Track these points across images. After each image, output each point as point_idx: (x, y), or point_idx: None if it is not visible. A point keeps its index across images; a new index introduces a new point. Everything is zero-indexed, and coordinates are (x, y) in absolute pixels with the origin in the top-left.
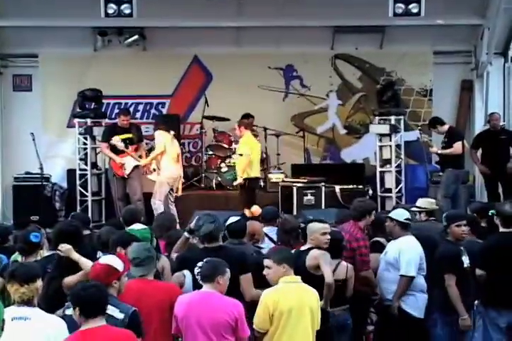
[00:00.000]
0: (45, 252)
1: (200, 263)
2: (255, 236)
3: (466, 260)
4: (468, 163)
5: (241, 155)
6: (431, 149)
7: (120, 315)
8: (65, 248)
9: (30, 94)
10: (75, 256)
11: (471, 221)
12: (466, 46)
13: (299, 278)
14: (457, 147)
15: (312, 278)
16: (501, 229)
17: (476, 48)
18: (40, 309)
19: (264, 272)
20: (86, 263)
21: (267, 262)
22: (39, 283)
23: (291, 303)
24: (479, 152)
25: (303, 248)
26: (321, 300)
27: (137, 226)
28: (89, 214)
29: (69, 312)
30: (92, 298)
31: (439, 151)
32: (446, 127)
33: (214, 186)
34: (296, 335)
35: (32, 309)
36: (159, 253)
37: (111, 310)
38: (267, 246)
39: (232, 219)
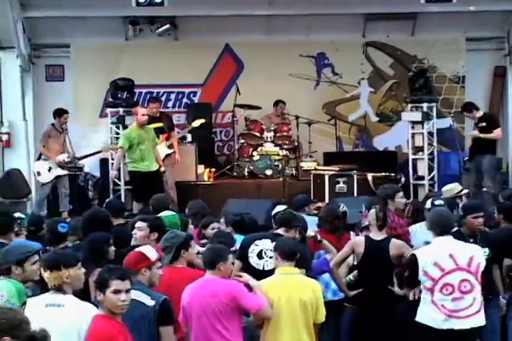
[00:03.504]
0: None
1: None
2: None
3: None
4: (501, 149)
5: None
6: (472, 132)
7: (151, 302)
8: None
9: (62, 84)
10: None
11: (503, 209)
12: (498, 32)
13: (296, 269)
14: (497, 133)
15: (392, 267)
16: None
17: (509, 34)
18: (74, 296)
19: None
20: None
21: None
22: (70, 271)
23: (279, 294)
24: None
25: (377, 237)
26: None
27: (165, 213)
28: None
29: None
30: None
31: (482, 135)
32: (481, 112)
33: (246, 174)
34: (288, 326)
35: (65, 296)
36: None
37: (142, 296)
38: None
39: (279, 208)
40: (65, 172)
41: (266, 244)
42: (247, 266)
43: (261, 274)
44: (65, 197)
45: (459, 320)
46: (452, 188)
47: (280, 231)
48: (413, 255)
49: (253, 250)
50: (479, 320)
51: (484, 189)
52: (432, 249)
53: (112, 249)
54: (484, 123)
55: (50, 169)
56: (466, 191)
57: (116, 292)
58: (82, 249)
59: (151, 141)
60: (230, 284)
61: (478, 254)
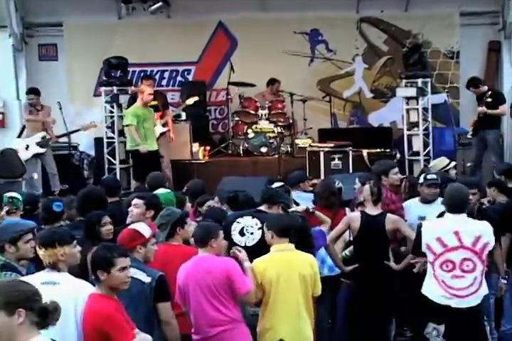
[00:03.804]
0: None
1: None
2: None
3: None
4: None
5: None
6: (479, 108)
7: (147, 279)
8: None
9: (56, 63)
10: None
11: (496, 183)
12: (493, 6)
13: (291, 245)
14: (504, 108)
15: (388, 241)
16: None
17: (503, 8)
18: (69, 274)
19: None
20: None
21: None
22: (65, 248)
23: (279, 270)
24: None
25: (372, 212)
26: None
27: (161, 191)
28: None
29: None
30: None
31: (489, 111)
32: (486, 88)
33: (241, 152)
34: (288, 302)
35: (60, 274)
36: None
37: (138, 273)
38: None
39: (276, 185)
40: (43, 150)
41: (247, 221)
42: (230, 243)
43: (245, 250)
44: (53, 177)
45: (457, 299)
46: (438, 163)
47: (263, 207)
48: (419, 226)
49: (235, 228)
50: (475, 301)
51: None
52: (438, 224)
53: (107, 228)
54: (490, 99)
55: (27, 147)
56: (453, 164)
57: (123, 269)
58: (79, 227)
59: (152, 121)
60: (225, 261)
61: (486, 233)
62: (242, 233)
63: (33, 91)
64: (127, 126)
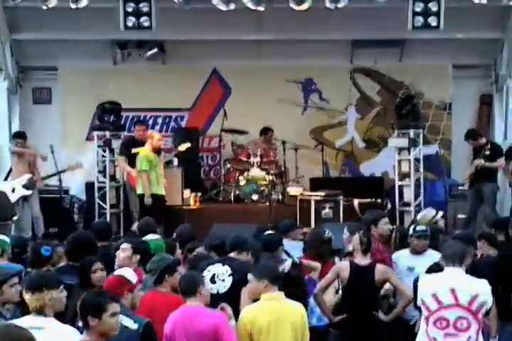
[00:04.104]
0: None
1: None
2: None
3: None
4: None
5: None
6: (476, 161)
7: (134, 326)
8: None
9: (49, 107)
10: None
11: (486, 236)
12: (485, 60)
13: (281, 293)
14: (502, 161)
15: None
16: None
17: (495, 62)
18: (55, 319)
19: (247, 286)
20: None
21: (249, 276)
22: (52, 293)
23: (269, 319)
24: (511, 166)
25: (362, 262)
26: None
27: (151, 237)
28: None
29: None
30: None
31: (487, 164)
32: (484, 140)
33: (232, 199)
34: None
35: (46, 319)
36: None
37: (125, 320)
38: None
39: (268, 232)
40: (30, 192)
41: (218, 269)
42: None
43: (217, 298)
44: (36, 220)
45: None
46: (426, 214)
47: (232, 254)
48: (416, 280)
49: (206, 275)
50: None
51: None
52: (435, 279)
53: (98, 275)
54: (488, 152)
55: (13, 190)
56: (441, 214)
57: (114, 314)
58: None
59: (160, 166)
60: (214, 316)
61: (484, 293)
62: (213, 280)
63: (20, 136)
64: (142, 171)
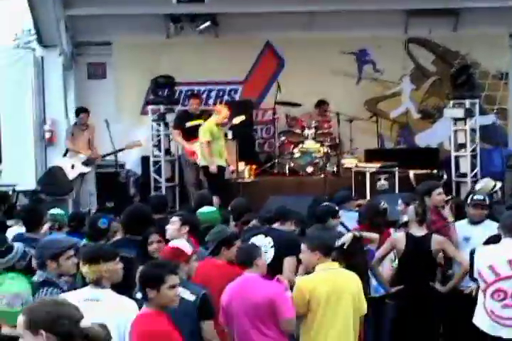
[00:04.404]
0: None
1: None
2: None
3: None
4: None
5: None
6: None
7: (191, 297)
8: None
9: (104, 82)
10: None
11: None
12: None
13: (336, 264)
14: None
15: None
16: None
17: None
18: (112, 291)
19: (300, 256)
20: None
21: (302, 247)
22: (108, 265)
23: (328, 290)
24: None
25: (417, 233)
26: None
27: (205, 209)
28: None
29: (139, 296)
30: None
31: None
32: None
33: (287, 172)
34: (338, 321)
35: (103, 290)
36: None
37: (182, 291)
38: (340, 230)
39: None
40: (89, 169)
41: (260, 240)
42: None
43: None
44: (91, 196)
45: (509, 329)
46: (485, 184)
47: (276, 225)
48: (472, 252)
49: None
50: None
51: None
52: (491, 251)
53: (154, 246)
54: None
55: (72, 166)
56: (499, 185)
57: (173, 287)
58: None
59: (223, 139)
60: (271, 287)
61: None
62: None
63: (84, 110)
64: (204, 142)
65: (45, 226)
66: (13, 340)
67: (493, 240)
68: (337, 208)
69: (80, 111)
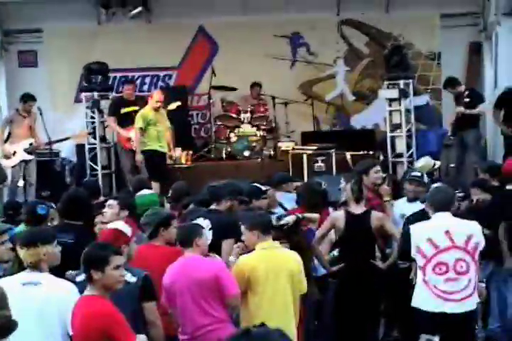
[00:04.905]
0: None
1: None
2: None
3: None
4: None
5: None
6: (457, 109)
7: (133, 279)
8: None
9: (36, 70)
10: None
11: (479, 182)
12: (473, 8)
13: (276, 243)
14: (482, 108)
15: (373, 240)
16: (507, 187)
17: (484, 9)
18: (50, 274)
19: (242, 237)
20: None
21: (241, 228)
22: (47, 247)
23: (267, 268)
24: (502, 113)
25: (356, 211)
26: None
27: (144, 192)
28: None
29: (80, 278)
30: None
31: (468, 111)
32: (463, 87)
33: (224, 156)
34: (277, 299)
35: (42, 274)
36: None
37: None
38: (279, 211)
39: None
40: (31, 157)
41: (199, 223)
42: None
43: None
44: (30, 186)
45: (452, 303)
46: (426, 164)
47: (213, 206)
48: (407, 230)
49: None
50: (470, 305)
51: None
52: (427, 225)
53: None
54: (468, 99)
55: (14, 153)
56: (438, 164)
57: (118, 267)
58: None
59: (164, 124)
60: (212, 263)
61: (476, 233)
62: None
63: (34, 98)
64: (137, 129)
65: None
66: None
67: (420, 216)
68: (264, 189)
69: (31, 99)
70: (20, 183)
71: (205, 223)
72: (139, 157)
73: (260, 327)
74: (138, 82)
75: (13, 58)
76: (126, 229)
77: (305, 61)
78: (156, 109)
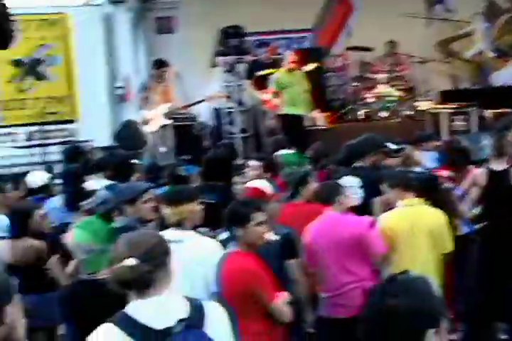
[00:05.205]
0: None
1: None
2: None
3: None
4: None
5: None
6: None
7: (275, 237)
8: None
9: (173, 36)
10: None
11: None
12: None
13: (417, 200)
14: None
15: None
16: None
17: None
18: (194, 232)
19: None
20: None
21: (383, 187)
22: (191, 206)
23: (408, 225)
24: None
25: (498, 168)
26: None
27: (283, 151)
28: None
29: (222, 236)
30: None
31: None
32: None
33: (361, 117)
34: (417, 257)
35: (185, 232)
36: None
37: None
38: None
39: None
40: (169, 122)
41: (350, 181)
42: None
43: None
44: (170, 150)
45: None
46: None
47: (357, 163)
48: None
49: None
50: None
51: None
52: None
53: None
54: None
55: (153, 118)
56: None
57: (260, 224)
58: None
59: (301, 85)
60: (357, 221)
61: None
62: None
63: (166, 63)
64: (273, 93)
65: (133, 178)
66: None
67: None
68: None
69: (163, 64)
70: (163, 149)
71: (355, 181)
72: (275, 120)
73: (404, 273)
74: (274, 44)
75: (151, 25)
76: (268, 186)
77: (442, 18)
78: (291, 71)
